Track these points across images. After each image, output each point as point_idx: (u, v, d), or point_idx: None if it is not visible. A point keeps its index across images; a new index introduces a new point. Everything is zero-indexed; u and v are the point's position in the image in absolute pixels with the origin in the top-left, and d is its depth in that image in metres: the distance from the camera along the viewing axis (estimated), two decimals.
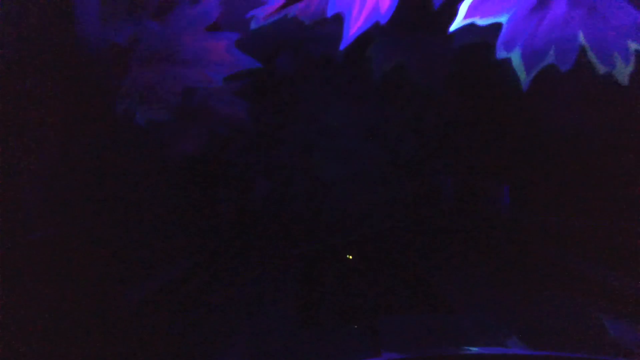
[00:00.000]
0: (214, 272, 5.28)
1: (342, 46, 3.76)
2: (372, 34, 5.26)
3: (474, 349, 2.08)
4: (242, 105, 5.91)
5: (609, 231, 3.80)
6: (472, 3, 3.52)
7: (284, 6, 4.13)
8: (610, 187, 3.93)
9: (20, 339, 2.26)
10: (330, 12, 3.82)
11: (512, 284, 3.83)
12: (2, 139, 2.45)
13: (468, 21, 3.55)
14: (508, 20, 3.59)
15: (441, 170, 6.38)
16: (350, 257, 5.77)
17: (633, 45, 3.41)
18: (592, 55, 3.49)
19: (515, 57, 3.64)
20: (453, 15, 3.53)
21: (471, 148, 6.09)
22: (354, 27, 3.70)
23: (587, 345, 1.98)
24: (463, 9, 3.53)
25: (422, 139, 6.48)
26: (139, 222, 4.38)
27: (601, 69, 3.49)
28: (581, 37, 3.50)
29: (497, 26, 3.61)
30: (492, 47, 3.71)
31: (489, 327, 2.48)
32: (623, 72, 3.45)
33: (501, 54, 3.68)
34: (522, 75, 3.67)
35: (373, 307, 3.62)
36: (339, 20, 3.76)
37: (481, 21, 3.58)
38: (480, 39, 4.04)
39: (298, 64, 6.14)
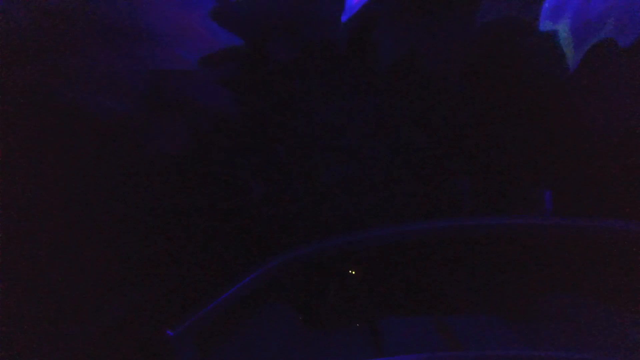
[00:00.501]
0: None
1: (344, 17, 3.02)
2: (379, 14, 4.51)
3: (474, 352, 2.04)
4: (228, 97, 5.17)
5: None
6: None
7: None
8: None
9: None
10: None
11: None
12: None
13: None
14: None
15: (457, 172, 5.63)
16: (353, 272, 5.03)
17: None
18: None
19: (563, 30, 2.89)
20: None
21: (493, 147, 5.34)
22: None
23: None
24: None
25: (435, 137, 5.72)
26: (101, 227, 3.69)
27: None
28: None
29: None
30: (524, 24, 2.98)
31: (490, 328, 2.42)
32: None
33: (546, 24, 2.92)
34: (570, 51, 2.92)
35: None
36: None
37: None
38: (511, 12, 3.30)
39: (293, 51, 5.41)
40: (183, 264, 5.34)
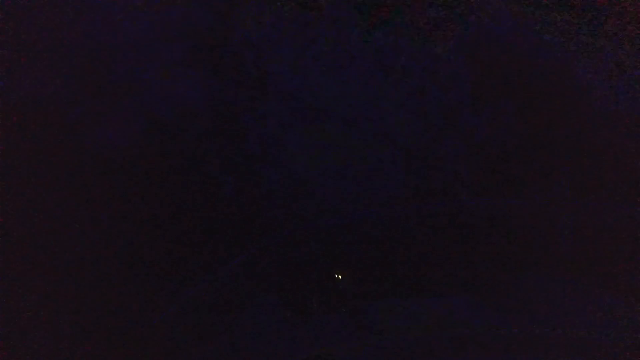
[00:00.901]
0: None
1: None
2: None
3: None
4: (191, 80, 4.40)
5: None
6: None
7: None
8: None
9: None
10: None
11: None
12: None
13: None
14: None
15: (450, 160, 5.06)
16: (340, 277, 4.42)
17: None
18: None
19: None
20: None
21: (493, 131, 4.79)
22: None
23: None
24: None
25: (426, 121, 5.11)
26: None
27: None
28: None
29: None
30: None
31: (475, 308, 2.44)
32: None
33: None
34: None
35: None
36: None
37: None
38: None
39: (264, 23, 4.65)
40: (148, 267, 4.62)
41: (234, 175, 5.36)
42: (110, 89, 3.68)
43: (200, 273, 4.38)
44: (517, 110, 4.89)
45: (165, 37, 3.39)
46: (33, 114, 3.14)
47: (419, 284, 3.75)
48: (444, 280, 3.64)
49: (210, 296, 3.71)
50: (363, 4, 4.68)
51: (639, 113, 4.35)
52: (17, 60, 2.82)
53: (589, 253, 3.50)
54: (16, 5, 3.09)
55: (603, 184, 4.00)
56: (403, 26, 4.78)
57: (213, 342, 2.80)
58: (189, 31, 3.23)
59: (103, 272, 3.68)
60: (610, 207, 3.63)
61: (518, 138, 4.99)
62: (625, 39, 4.50)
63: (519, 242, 4.10)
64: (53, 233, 3.53)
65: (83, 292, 3.02)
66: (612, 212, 3.56)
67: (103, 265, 3.77)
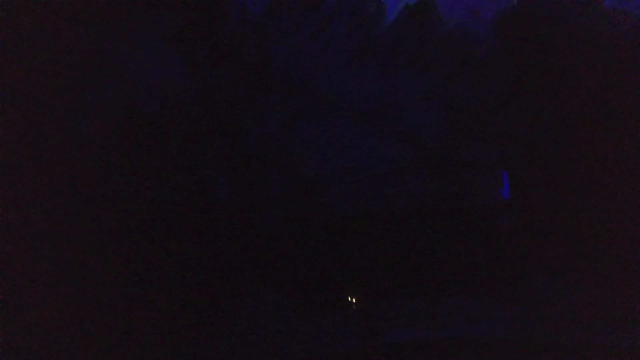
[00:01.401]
0: None
1: None
2: None
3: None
4: (178, 63, 3.77)
5: None
6: None
7: None
8: None
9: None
10: None
11: None
12: None
13: None
14: None
15: (480, 163, 4.31)
16: (354, 300, 3.77)
17: None
18: None
19: None
20: None
21: (531, 131, 4.02)
22: None
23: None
24: None
25: (452, 118, 4.37)
26: None
27: None
28: None
29: None
30: None
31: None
32: None
33: None
34: None
35: None
36: None
37: None
38: None
39: (270, 2, 3.98)
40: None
41: (231, 177, 4.71)
42: (78, 75, 3.06)
43: (201, 272, 4.05)
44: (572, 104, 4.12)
45: (145, 10, 2.75)
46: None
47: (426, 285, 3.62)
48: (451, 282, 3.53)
49: (211, 294, 3.56)
50: None
51: None
52: None
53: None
54: None
55: None
56: None
57: (214, 341, 2.73)
58: (174, 3, 2.60)
59: (100, 272, 3.51)
60: None
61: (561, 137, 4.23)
62: None
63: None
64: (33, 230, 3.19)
65: (81, 291, 2.96)
66: None
67: (100, 265, 3.56)
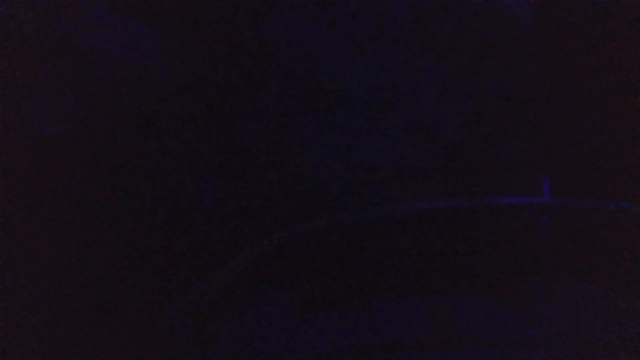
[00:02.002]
0: None
1: None
2: None
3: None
4: (155, 45, 3.18)
5: None
6: None
7: None
8: None
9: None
10: None
11: None
12: None
13: None
14: None
15: (515, 165, 3.70)
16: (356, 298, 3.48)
17: None
18: None
19: None
20: None
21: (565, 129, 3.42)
22: None
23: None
24: None
25: (478, 112, 3.77)
26: None
27: None
28: None
29: None
30: None
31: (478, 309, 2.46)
32: None
33: None
34: None
35: None
36: None
37: None
38: None
39: None
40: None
41: (217, 181, 4.12)
42: (35, 60, 2.48)
43: (203, 269, 3.87)
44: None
45: None
46: None
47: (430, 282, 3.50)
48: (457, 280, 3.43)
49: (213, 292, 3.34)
50: None
51: None
52: None
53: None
54: None
55: None
56: None
57: (215, 340, 2.66)
58: None
59: (98, 272, 3.35)
60: None
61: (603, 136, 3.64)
62: None
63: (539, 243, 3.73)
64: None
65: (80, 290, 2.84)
66: None
67: (98, 264, 3.37)
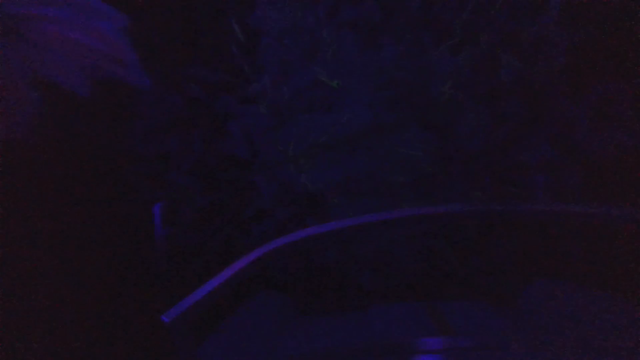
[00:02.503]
0: None
1: None
2: None
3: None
4: (124, 33, 2.69)
5: None
6: None
7: None
8: None
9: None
10: None
11: None
12: None
13: None
14: None
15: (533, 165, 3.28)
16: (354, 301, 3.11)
17: None
18: None
19: None
20: None
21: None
22: None
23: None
24: None
25: (495, 111, 3.35)
26: None
27: None
28: None
29: None
30: None
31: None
32: None
33: None
34: None
35: None
36: None
37: None
38: None
39: None
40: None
41: (209, 185, 3.63)
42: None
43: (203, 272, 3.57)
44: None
45: None
46: None
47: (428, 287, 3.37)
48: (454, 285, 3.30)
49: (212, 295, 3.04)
50: None
51: None
52: None
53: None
54: None
55: None
56: None
57: (215, 341, 2.55)
58: None
59: (100, 272, 3.14)
60: None
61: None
62: None
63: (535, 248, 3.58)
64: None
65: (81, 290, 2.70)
66: None
67: (99, 265, 3.15)
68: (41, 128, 2.44)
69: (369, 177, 3.49)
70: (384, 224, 2.58)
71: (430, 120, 3.28)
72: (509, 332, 2.29)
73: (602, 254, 3.32)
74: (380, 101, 3.39)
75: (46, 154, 2.63)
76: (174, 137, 3.46)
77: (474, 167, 3.28)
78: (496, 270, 3.53)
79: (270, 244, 2.69)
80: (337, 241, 3.81)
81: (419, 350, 2.14)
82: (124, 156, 3.05)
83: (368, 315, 2.52)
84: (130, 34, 2.53)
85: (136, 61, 2.78)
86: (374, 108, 3.47)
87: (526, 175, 3.29)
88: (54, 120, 2.47)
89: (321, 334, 2.47)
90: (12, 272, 2.80)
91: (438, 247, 3.61)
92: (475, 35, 3.27)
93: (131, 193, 3.17)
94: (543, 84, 3.18)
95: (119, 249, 3.19)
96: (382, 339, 2.22)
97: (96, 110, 2.74)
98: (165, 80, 3.25)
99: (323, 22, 3.42)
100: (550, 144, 3.26)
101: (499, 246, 3.61)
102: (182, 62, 3.37)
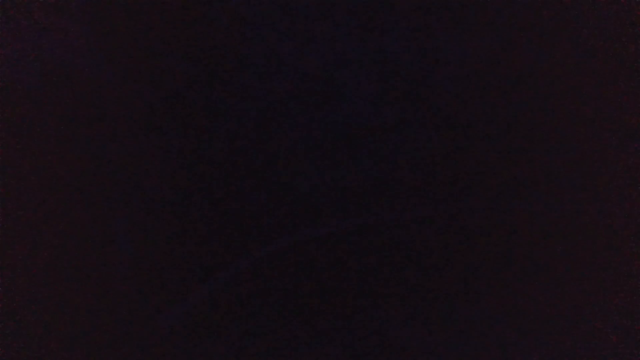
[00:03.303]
0: None
1: None
2: None
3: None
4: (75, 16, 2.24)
5: None
6: None
7: None
8: None
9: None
10: None
11: None
12: None
13: None
14: None
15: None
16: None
17: None
18: None
19: None
20: None
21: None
22: None
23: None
24: None
25: (510, 102, 2.99)
26: None
27: None
28: None
29: None
30: None
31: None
32: None
33: None
34: None
35: None
36: None
37: None
38: None
39: None
40: None
41: (193, 190, 3.20)
42: None
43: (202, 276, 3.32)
44: None
45: None
46: None
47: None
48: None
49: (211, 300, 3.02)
50: None
51: None
52: None
53: None
54: None
55: None
56: None
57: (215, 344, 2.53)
58: None
59: (103, 272, 2.99)
60: None
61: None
62: None
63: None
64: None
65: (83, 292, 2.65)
66: None
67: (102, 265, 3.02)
68: None
69: (374, 179, 3.11)
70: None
71: (440, 116, 2.92)
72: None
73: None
74: (381, 96, 3.01)
75: None
76: (144, 139, 3.00)
77: (490, 170, 2.94)
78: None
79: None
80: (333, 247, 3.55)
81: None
82: (81, 159, 2.61)
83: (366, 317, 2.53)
84: (88, 15, 2.08)
85: (96, 48, 2.32)
86: (374, 105, 3.08)
87: (549, 186, 2.96)
88: None
89: (319, 335, 2.46)
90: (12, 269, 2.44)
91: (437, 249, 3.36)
92: (488, 22, 2.91)
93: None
94: (567, 79, 2.84)
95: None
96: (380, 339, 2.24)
97: (45, 104, 2.27)
98: (133, 72, 2.79)
99: (317, 7, 3.01)
100: (577, 150, 2.93)
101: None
102: (155, 51, 2.91)
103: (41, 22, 2.18)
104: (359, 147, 3.10)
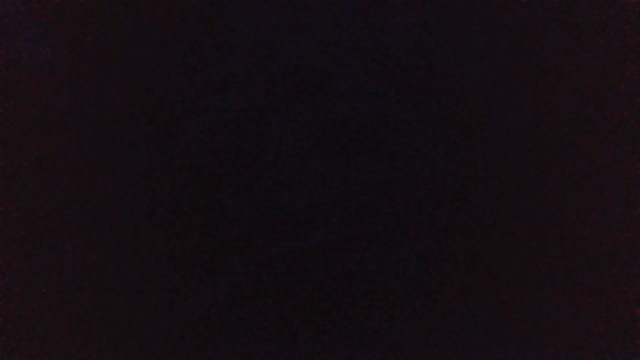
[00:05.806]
0: None
1: None
2: None
3: None
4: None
5: None
6: None
7: None
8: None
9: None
10: None
11: None
12: None
13: None
14: None
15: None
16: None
17: None
18: None
19: None
20: None
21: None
22: None
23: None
24: None
25: (553, 100, 2.48)
26: None
27: None
28: None
29: None
30: None
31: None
32: None
33: None
34: None
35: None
36: None
37: None
38: None
39: None
40: None
41: (160, 205, 2.70)
42: None
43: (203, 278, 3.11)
44: None
45: None
46: None
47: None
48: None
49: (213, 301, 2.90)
50: None
51: None
52: None
53: None
54: None
55: None
56: None
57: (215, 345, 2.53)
58: None
59: (105, 273, 2.86)
60: None
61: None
62: None
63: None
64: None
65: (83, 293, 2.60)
66: None
67: (104, 266, 2.86)
68: None
69: (377, 191, 2.59)
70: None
71: (453, 114, 2.41)
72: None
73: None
74: (386, 88, 2.52)
75: None
76: (108, 140, 2.54)
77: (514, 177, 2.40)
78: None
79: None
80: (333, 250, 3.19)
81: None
82: (80, 159, 2.24)
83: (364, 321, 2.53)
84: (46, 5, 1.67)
85: (44, 34, 1.90)
86: (378, 99, 2.59)
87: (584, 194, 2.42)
88: None
89: (315, 340, 2.51)
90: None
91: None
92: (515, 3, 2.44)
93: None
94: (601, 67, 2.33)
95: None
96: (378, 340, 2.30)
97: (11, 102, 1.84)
98: (95, 64, 2.35)
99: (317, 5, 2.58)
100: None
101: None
102: (120, 39, 2.49)
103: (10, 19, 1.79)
104: (359, 147, 2.60)
